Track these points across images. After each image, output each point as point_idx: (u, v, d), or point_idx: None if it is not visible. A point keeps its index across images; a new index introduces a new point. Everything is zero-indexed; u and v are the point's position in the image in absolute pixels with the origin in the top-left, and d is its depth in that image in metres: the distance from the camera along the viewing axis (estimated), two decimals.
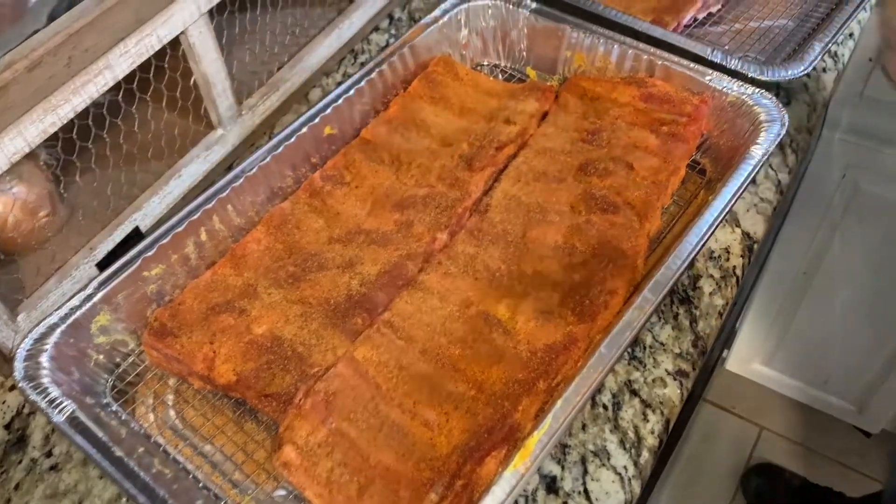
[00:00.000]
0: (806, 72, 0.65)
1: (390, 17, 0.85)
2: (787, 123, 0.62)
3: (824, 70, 0.75)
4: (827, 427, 1.45)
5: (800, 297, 1.26)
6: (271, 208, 0.62)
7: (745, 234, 0.64)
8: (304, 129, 0.64)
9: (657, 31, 0.69)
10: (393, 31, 0.84)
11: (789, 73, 0.65)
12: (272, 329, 0.55)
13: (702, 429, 1.48)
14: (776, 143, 0.61)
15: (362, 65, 0.80)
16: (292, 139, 0.63)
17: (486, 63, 0.77)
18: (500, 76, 0.76)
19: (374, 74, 0.69)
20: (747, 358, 1.46)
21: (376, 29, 0.84)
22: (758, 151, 0.60)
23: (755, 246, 0.64)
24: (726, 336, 1.33)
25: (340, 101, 0.66)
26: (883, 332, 1.22)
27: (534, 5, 0.73)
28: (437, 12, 0.73)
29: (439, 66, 0.72)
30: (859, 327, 1.24)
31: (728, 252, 0.63)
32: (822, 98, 0.74)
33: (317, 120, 0.65)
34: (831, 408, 1.42)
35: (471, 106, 0.69)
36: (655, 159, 0.63)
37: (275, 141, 0.63)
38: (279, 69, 0.76)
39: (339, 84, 0.68)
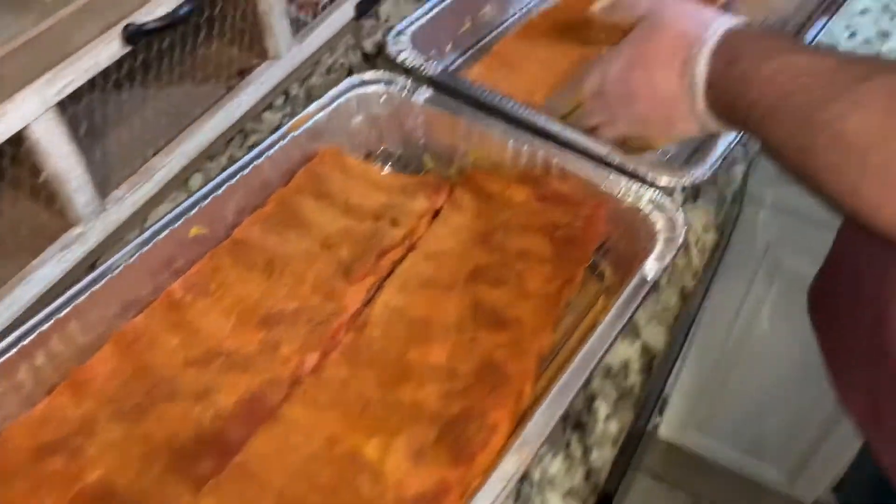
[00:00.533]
0: (707, 175, 0.62)
1: (286, 94, 0.80)
2: (687, 227, 0.59)
3: (734, 162, 0.72)
4: (760, 497, 1.41)
5: (731, 366, 1.24)
6: (124, 324, 0.56)
7: (645, 348, 0.60)
8: (166, 232, 0.58)
9: (555, 126, 0.65)
10: (288, 110, 0.78)
11: (691, 176, 0.61)
12: (108, 474, 0.48)
13: (635, 500, 1.44)
14: (675, 252, 0.57)
15: (251, 147, 0.75)
16: (150, 245, 0.57)
17: (380, 151, 0.72)
18: (395, 166, 0.72)
19: (251, 168, 0.63)
20: (681, 425, 1.42)
21: (270, 107, 0.78)
22: (655, 263, 0.56)
23: (655, 360, 0.59)
24: (657, 405, 1.29)
25: (210, 199, 0.60)
26: (813, 403, 1.20)
27: (429, 94, 0.68)
28: (325, 99, 0.68)
29: (326, 158, 0.67)
30: (791, 398, 1.21)
31: (626, 368, 0.58)
32: (732, 192, 0.71)
33: (181, 221, 0.59)
34: (765, 477, 1.39)
35: (357, 202, 0.64)
36: (549, 267, 0.59)
37: (130, 247, 0.57)
38: (155, 154, 0.69)
39: (224, 169, 0.62)
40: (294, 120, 0.66)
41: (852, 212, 0.44)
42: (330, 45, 0.84)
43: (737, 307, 1.14)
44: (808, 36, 0.74)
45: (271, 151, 0.64)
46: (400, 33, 0.74)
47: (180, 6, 0.62)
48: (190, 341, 0.55)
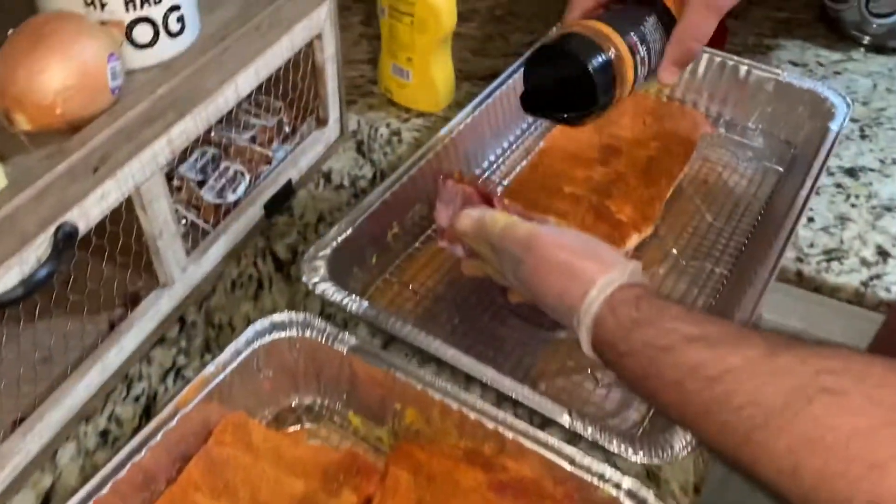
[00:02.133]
0: (689, 450, 0.51)
1: (182, 321, 0.67)
2: None
3: None
4: None
5: None
6: None
7: None
8: None
9: (504, 383, 0.55)
10: (183, 343, 0.65)
11: (670, 455, 0.51)
12: None
13: None
14: None
15: (136, 399, 0.62)
16: None
17: (295, 402, 0.60)
18: (314, 422, 0.59)
19: (128, 468, 0.50)
20: None
21: (161, 340, 0.65)
22: None
23: None
24: None
25: None
26: None
27: (353, 341, 0.57)
28: (225, 355, 0.56)
29: (226, 435, 0.54)
30: None
31: None
32: None
33: None
34: None
35: (267, 498, 0.51)
36: None
37: None
38: (12, 432, 0.55)
39: (96, 450, 0.49)
40: (185, 391, 0.53)
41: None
42: (236, 252, 0.72)
43: None
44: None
45: (155, 440, 0.51)
46: (314, 258, 0.63)
47: (37, 269, 0.49)
48: None
